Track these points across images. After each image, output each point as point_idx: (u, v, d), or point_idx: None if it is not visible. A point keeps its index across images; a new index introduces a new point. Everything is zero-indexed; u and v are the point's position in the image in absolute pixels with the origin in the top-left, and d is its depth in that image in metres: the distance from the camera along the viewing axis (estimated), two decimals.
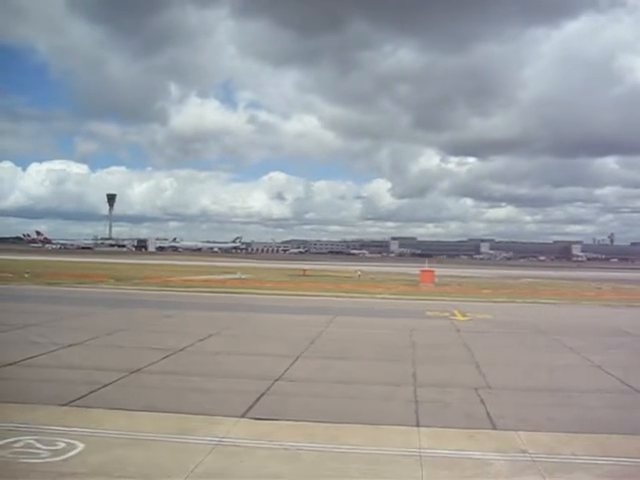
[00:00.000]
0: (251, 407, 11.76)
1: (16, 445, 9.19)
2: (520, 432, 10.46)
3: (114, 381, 13.73)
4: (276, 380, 14.23)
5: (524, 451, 9.51)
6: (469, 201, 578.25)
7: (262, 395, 12.79)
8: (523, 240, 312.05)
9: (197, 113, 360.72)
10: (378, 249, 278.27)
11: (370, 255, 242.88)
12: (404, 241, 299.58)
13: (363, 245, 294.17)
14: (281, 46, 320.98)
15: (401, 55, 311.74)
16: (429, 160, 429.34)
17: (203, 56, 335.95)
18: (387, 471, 8.65)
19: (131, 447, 9.33)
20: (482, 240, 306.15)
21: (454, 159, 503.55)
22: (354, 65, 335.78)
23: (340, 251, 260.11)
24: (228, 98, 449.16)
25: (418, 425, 10.81)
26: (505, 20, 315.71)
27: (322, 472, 8.52)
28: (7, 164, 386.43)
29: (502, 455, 9.31)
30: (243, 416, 11.13)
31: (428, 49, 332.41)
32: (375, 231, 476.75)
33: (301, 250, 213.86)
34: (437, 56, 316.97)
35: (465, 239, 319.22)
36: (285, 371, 15.31)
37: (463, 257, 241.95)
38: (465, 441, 10.00)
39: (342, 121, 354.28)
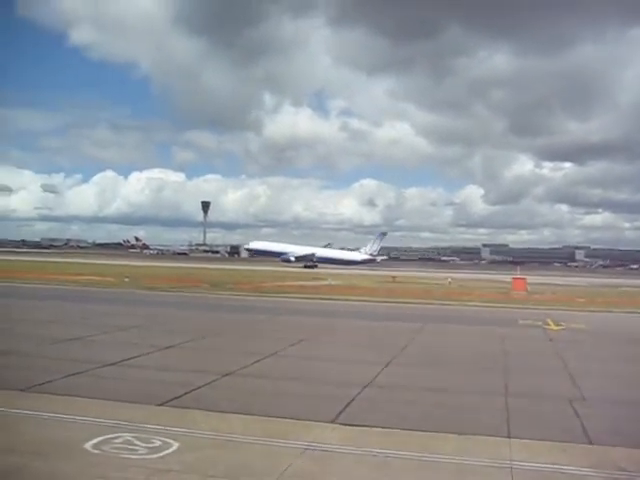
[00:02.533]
0: (341, 412, 11.81)
1: (116, 441, 9.61)
2: (617, 448, 10.06)
3: (208, 383, 14.10)
4: (365, 386, 14.23)
5: (622, 468, 9.09)
6: (564, 207, 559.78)
7: (352, 401, 12.82)
8: (621, 247, 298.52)
9: (290, 122, 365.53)
10: (469, 256, 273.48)
11: (461, 262, 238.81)
12: (496, 248, 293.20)
13: (454, 252, 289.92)
14: (375, 54, 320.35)
15: (496, 60, 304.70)
16: (523, 166, 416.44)
17: (297, 65, 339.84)
18: None
19: (223, 448, 9.56)
20: (577, 247, 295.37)
21: (549, 164, 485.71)
22: (448, 71, 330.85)
23: (431, 258, 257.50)
24: (321, 106, 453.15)
25: (509, 436, 10.55)
26: (604, 21, 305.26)
27: (410, 479, 8.46)
28: (110, 173, 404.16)
29: (598, 471, 8.91)
30: (333, 421, 11.20)
31: (523, 53, 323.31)
32: (466, 238, 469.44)
33: (384, 257, 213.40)
34: (533, 60, 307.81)
35: (559, 246, 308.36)
36: (375, 378, 15.30)
37: (557, 265, 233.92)
38: (558, 455, 9.68)
39: (435, 128, 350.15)
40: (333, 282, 60.96)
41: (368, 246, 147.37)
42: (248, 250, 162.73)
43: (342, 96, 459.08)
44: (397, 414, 11.94)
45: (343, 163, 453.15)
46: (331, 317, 30.03)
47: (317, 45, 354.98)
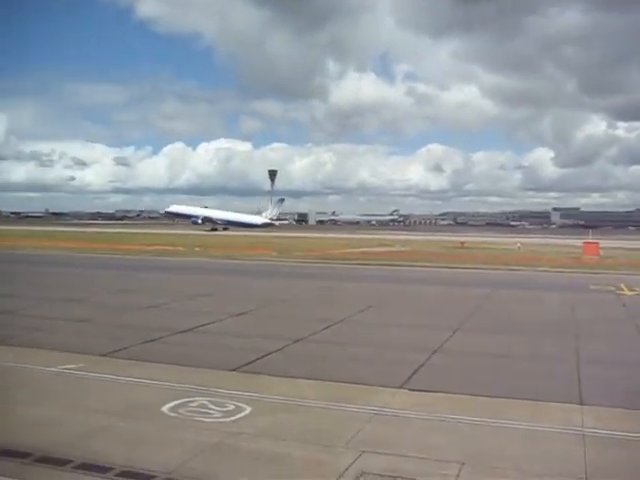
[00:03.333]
0: (410, 378, 11.91)
1: (192, 405, 9.99)
2: None
3: (279, 349, 14.42)
4: (434, 352, 14.28)
5: None
6: None
7: (421, 366, 12.90)
8: None
9: (355, 88, 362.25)
10: (538, 220, 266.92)
11: (530, 227, 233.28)
12: (567, 212, 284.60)
13: (523, 217, 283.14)
14: (440, 15, 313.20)
15: (567, 17, 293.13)
16: (595, 126, 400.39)
17: (362, 31, 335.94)
18: (548, 449, 8.48)
19: (294, 412, 9.81)
20: None
21: (623, 124, 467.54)
22: (516, 30, 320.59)
23: (499, 223, 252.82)
24: (385, 71, 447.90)
25: (581, 403, 10.45)
26: None
27: (481, 446, 8.50)
28: (179, 145, 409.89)
29: None
30: (402, 387, 11.31)
31: (595, 8, 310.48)
32: (536, 202, 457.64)
33: (450, 222, 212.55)
34: (605, 15, 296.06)
35: (633, 209, 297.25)
36: (444, 343, 15.31)
37: (631, 229, 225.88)
38: (631, 422, 9.54)
39: (502, 89, 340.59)
40: (401, 248, 60.74)
41: (268, 211, 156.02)
42: (167, 213, 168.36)
43: (407, 60, 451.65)
44: (466, 380, 11.96)
45: (409, 128, 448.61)
46: (398, 283, 30.05)
47: (381, 8, 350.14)
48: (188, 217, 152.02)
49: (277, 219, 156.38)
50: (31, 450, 7.95)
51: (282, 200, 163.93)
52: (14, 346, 14.30)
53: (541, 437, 8.84)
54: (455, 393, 10.94)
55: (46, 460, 7.69)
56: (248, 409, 9.84)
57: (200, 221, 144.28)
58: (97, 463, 7.58)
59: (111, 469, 7.44)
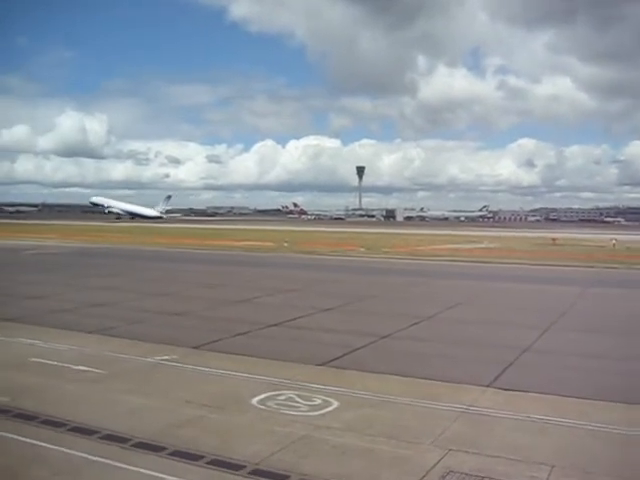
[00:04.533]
0: (498, 377, 11.74)
1: (280, 398, 10.21)
2: None
3: (366, 345, 14.50)
4: (524, 351, 14.00)
5: None
6: None
7: (510, 365, 12.69)
8: None
9: (445, 83, 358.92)
10: (636, 217, 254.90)
11: (626, 223, 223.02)
12: None
13: (619, 212, 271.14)
14: (533, 6, 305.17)
15: None
16: None
17: (453, 25, 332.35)
18: None
19: (380, 408, 9.87)
20: None
21: None
22: (614, 20, 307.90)
23: (592, 219, 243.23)
24: (476, 65, 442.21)
25: None
26: None
27: (572, 449, 8.30)
28: (269, 142, 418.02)
29: None
30: (490, 385, 11.17)
31: None
32: (633, 197, 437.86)
33: (538, 218, 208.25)
34: None
35: None
36: (534, 342, 14.99)
37: None
38: None
39: (598, 81, 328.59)
40: (490, 245, 59.57)
41: (159, 206, 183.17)
42: (91, 204, 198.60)
43: (498, 53, 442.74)
44: (556, 380, 11.68)
45: (500, 123, 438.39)
46: (488, 280, 29.52)
47: (473, 1, 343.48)
48: (102, 207, 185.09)
49: (166, 212, 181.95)
50: (129, 436, 8.36)
51: (169, 197, 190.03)
52: (114, 337, 15.00)
53: (636, 443, 8.56)
54: (545, 393, 10.70)
55: (143, 446, 8.07)
56: (335, 403, 9.97)
57: (106, 211, 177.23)
58: (189, 451, 7.89)
59: (202, 457, 7.72)
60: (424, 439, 8.45)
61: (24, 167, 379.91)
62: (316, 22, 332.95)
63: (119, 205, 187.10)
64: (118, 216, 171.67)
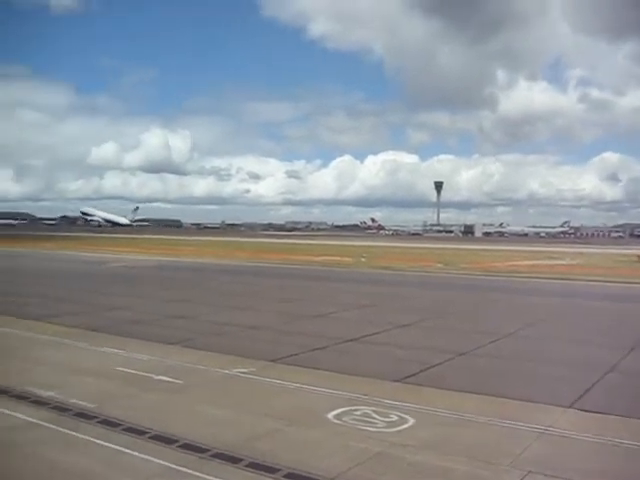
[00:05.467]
0: (580, 397, 11.36)
1: (356, 413, 10.19)
2: None
3: (443, 362, 14.31)
4: (608, 372, 13.51)
5: None
6: None
7: (592, 386, 12.27)
8: None
9: (526, 96, 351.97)
10: None
11: None
12: None
13: None
14: (617, 17, 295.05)
15: None
16: None
17: (534, 38, 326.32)
18: None
19: (457, 426, 9.71)
20: None
21: None
22: None
23: None
24: (557, 78, 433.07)
25: None
26: None
27: None
28: (347, 157, 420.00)
29: None
30: (571, 406, 10.82)
31: None
32: None
33: (621, 235, 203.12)
34: None
35: None
36: (618, 363, 14.45)
37: None
38: None
39: None
40: (571, 261, 57.83)
41: (129, 215, 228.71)
42: (82, 213, 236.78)
43: (580, 65, 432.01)
44: None
45: (582, 136, 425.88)
46: (569, 297, 28.69)
47: (555, 14, 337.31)
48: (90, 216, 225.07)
49: (134, 222, 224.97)
50: (208, 446, 8.52)
51: (137, 208, 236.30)
52: (193, 348, 15.33)
53: None
54: (629, 417, 10.28)
55: (220, 456, 8.21)
56: (411, 421, 9.87)
57: (89, 218, 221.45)
58: (266, 464, 7.97)
59: (278, 470, 7.79)
60: (503, 460, 8.25)
61: (111, 183, 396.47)
62: (394, 37, 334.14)
63: (101, 214, 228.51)
64: (99, 224, 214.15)
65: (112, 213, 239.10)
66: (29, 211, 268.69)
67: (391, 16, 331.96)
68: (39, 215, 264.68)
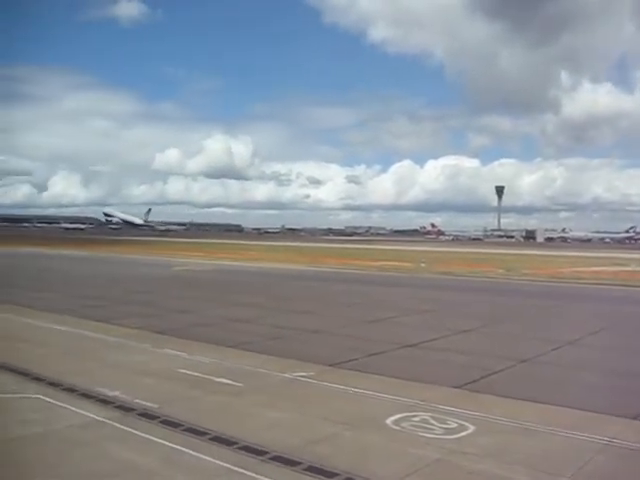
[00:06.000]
0: None
1: (414, 419, 10.14)
2: None
3: (504, 369, 14.10)
4: None
5: None
6: None
7: None
8: None
9: (590, 98, 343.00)
10: None
11: None
12: None
13: None
14: None
15: None
16: None
17: (598, 39, 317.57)
18: None
19: (518, 435, 9.54)
20: None
21: None
22: None
23: None
24: (623, 79, 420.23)
25: None
26: None
27: None
28: (407, 162, 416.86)
29: None
30: (636, 418, 10.51)
31: None
32: None
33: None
34: None
35: None
36: None
37: None
38: None
39: None
40: (638, 268, 56.02)
41: (143, 217, 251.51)
42: (105, 214, 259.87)
43: None
44: None
45: None
46: (635, 305, 27.85)
47: (620, 13, 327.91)
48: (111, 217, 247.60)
49: (146, 222, 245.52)
50: (266, 449, 8.61)
51: (150, 210, 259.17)
52: (253, 352, 15.50)
53: None
54: None
55: (279, 459, 8.28)
56: (471, 428, 9.76)
57: (109, 219, 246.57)
58: (323, 468, 8.00)
59: (336, 475, 7.81)
60: (564, 471, 8.08)
61: (175, 188, 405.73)
62: (455, 40, 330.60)
63: (120, 215, 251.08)
64: (118, 225, 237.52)
65: (174, 217, 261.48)
66: (95, 215, 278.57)
67: (452, 19, 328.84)
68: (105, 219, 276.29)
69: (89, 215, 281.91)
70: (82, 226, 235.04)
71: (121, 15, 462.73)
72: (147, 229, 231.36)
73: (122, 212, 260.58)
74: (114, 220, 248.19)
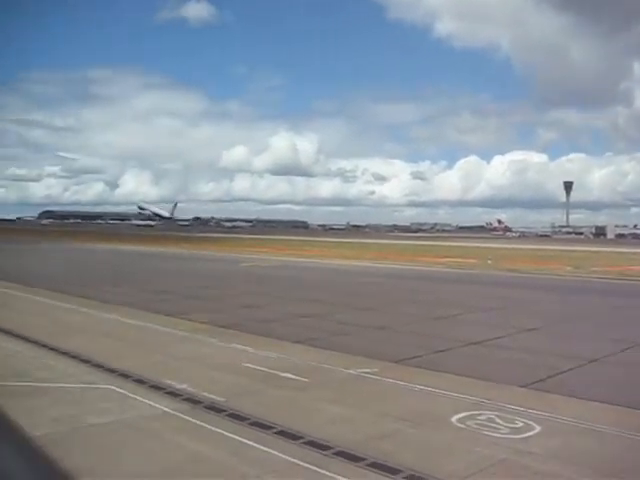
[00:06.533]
0: None
1: (480, 417, 10.06)
2: None
3: (572, 368, 13.83)
4: None
5: None
6: None
7: None
8: None
9: None
10: None
11: None
12: None
13: None
14: None
15: None
16: None
17: None
18: None
19: (587, 437, 9.35)
20: None
21: None
22: None
23: None
24: None
25: None
26: None
27: None
28: (473, 158, 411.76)
29: None
30: None
31: None
32: None
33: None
34: None
35: None
36: None
37: None
38: None
39: None
40: None
41: (170, 211, 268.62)
42: (139, 207, 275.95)
43: None
44: None
45: None
46: None
47: None
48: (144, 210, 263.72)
49: (172, 215, 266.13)
50: (330, 444, 8.71)
51: (176, 204, 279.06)
52: (318, 347, 15.65)
53: None
54: None
55: (342, 455, 8.36)
56: (538, 428, 9.62)
57: (142, 212, 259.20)
58: (387, 464, 8.05)
59: (399, 471, 7.84)
60: (635, 476, 7.90)
61: (241, 185, 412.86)
62: (523, 33, 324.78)
63: (151, 208, 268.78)
64: (149, 220, 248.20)
65: (240, 214, 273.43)
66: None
67: (519, 11, 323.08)
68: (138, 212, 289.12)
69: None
70: (152, 223, 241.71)
71: (190, 16, 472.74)
72: (214, 225, 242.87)
73: (186, 208, 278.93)
74: (146, 213, 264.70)
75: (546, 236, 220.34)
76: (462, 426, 9.68)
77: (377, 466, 7.99)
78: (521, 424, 9.77)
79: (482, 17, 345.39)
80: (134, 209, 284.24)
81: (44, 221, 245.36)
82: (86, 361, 13.67)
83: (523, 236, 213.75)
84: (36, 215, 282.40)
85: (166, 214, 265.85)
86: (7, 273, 33.29)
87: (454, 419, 9.96)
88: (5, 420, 0.84)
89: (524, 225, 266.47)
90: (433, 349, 15.64)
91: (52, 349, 14.92)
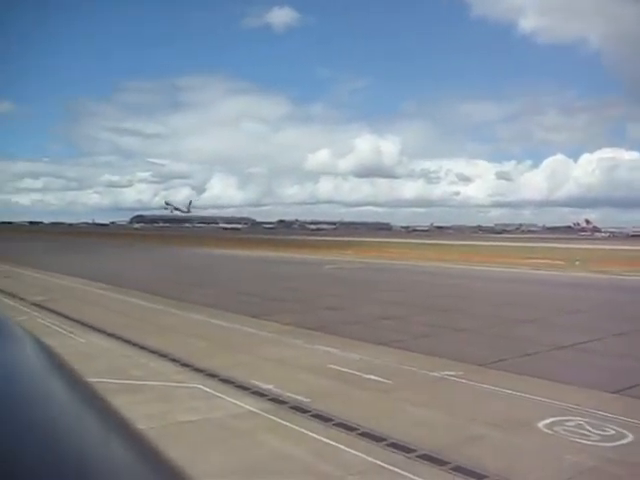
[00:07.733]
0: None
1: (568, 424, 9.82)
2: None
3: None
4: None
5: None
6: None
7: None
8: None
9: None
10: None
11: None
12: None
13: None
14: None
15: None
16: None
17: None
18: None
19: None
20: None
21: None
22: None
23: None
24: None
25: None
26: None
27: None
28: (560, 157, 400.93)
29: None
30: None
31: None
32: None
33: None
34: None
35: None
36: None
37: None
38: None
39: None
40: None
41: (187, 206, 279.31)
42: (165, 202, 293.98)
43: None
44: None
45: None
46: None
47: None
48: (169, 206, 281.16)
49: (188, 211, 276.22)
50: (414, 447, 8.71)
51: (191, 202, 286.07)
52: (401, 349, 15.62)
53: None
54: None
55: (427, 458, 8.35)
56: (630, 436, 9.31)
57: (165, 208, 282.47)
58: (472, 469, 7.98)
59: (485, 477, 7.76)
60: None
61: (325, 187, 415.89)
62: (613, 26, 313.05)
63: (174, 204, 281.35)
64: (172, 211, 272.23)
65: (324, 217, 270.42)
66: (250, 215, 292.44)
67: (607, 3, 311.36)
68: (259, 219, 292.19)
69: (244, 215, 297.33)
70: (238, 226, 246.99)
71: (274, 22, 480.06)
72: (298, 228, 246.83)
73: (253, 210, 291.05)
74: (169, 208, 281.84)
75: (638, 236, 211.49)
76: (550, 432, 9.48)
77: (462, 470, 7.94)
78: (612, 432, 9.48)
79: (568, 11, 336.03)
80: (217, 213, 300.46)
81: (136, 225, 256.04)
82: (175, 360, 14.14)
83: (613, 236, 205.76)
84: (128, 219, 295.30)
85: (184, 209, 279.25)
86: (105, 275, 34.56)
87: (541, 425, 9.77)
88: (119, 415, 0.94)
89: (614, 225, 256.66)
90: (518, 352, 15.34)
91: (142, 348, 15.53)
